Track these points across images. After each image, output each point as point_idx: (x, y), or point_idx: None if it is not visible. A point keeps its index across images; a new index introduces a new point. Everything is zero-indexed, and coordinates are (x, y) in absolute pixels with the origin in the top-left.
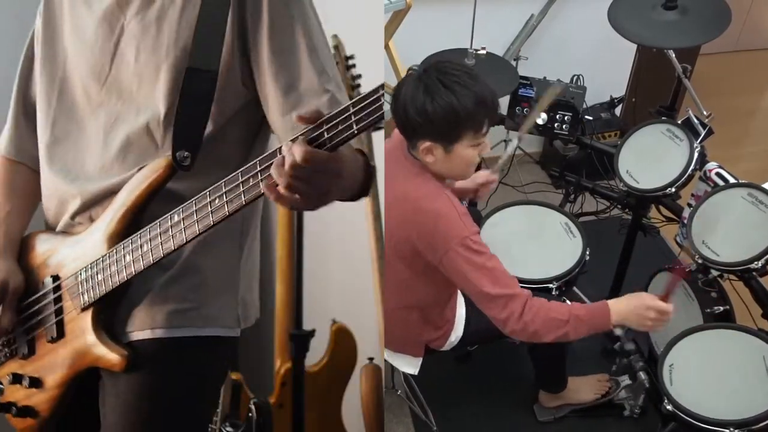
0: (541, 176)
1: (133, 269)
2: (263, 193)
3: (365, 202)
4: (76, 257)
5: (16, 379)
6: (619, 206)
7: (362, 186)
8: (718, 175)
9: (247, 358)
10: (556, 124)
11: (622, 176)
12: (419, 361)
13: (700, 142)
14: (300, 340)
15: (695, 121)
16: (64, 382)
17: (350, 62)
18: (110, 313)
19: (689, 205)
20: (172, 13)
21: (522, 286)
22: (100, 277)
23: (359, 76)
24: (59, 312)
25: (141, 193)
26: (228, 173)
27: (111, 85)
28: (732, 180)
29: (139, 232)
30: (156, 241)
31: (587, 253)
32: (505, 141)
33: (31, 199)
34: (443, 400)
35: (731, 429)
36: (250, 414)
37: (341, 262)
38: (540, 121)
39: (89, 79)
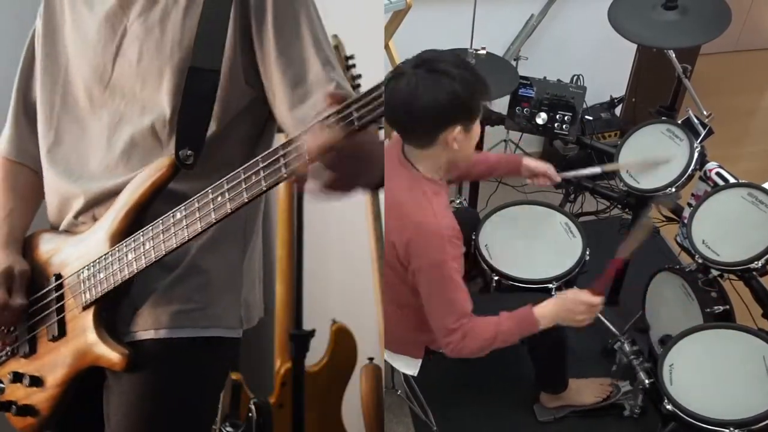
0: None
1: (135, 267)
2: (265, 191)
3: (365, 203)
4: (79, 256)
5: (17, 377)
6: (619, 206)
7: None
8: (718, 174)
9: (247, 358)
10: (556, 124)
11: (622, 176)
12: (419, 362)
13: (700, 142)
14: (300, 340)
15: (695, 121)
16: (64, 381)
17: (350, 62)
18: (112, 311)
19: (689, 205)
20: (176, 14)
21: (522, 286)
22: (101, 275)
23: (359, 76)
24: (61, 310)
25: (144, 192)
26: (233, 171)
27: (113, 85)
28: (732, 180)
29: (141, 230)
30: (158, 239)
31: (587, 253)
32: (504, 141)
33: (33, 199)
34: (443, 400)
35: (731, 429)
36: (250, 414)
37: (341, 262)
38: (540, 121)
39: (91, 80)
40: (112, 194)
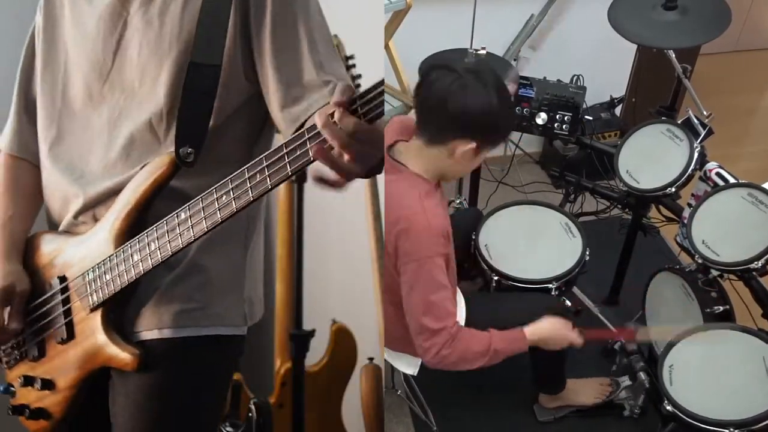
0: (541, 176)
1: (141, 268)
2: (270, 189)
3: (365, 202)
4: (82, 257)
5: (28, 381)
6: (619, 206)
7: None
8: (718, 175)
9: (247, 358)
10: (556, 124)
11: (622, 176)
12: (419, 361)
13: (700, 142)
14: (300, 340)
15: (695, 121)
16: (75, 383)
17: (350, 62)
18: (119, 312)
19: (689, 205)
20: (175, 7)
21: (522, 287)
22: (108, 276)
23: (359, 76)
24: (68, 313)
25: (145, 190)
26: (232, 170)
27: (113, 80)
28: (732, 180)
29: (146, 231)
30: (163, 239)
31: (587, 253)
32: (504, 141)
33: (35, 198)
34: (443, 400)
35: (731, 429)
36: (250, 414)
37: (341, 262)
38: (540, 121)
39: (91, 75)
40: (111, 194)
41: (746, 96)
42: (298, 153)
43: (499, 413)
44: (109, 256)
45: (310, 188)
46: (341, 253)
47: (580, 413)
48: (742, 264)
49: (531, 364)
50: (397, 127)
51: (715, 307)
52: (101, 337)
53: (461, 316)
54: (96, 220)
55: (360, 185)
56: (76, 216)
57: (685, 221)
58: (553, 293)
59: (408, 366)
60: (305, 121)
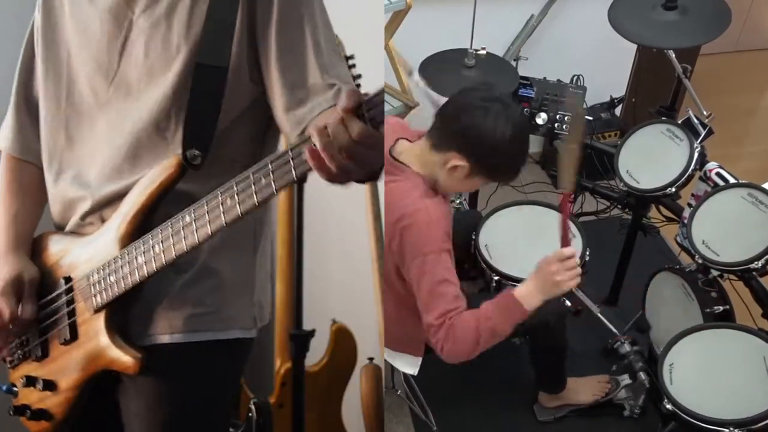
0: (541, 176)
1: (145, 271)
2: (276, 193)
3: (365, 203)
4: (88, 258)
5: (30, 381)
6: (619, 206)
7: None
8: (718, 175)
9: None
10: (556, 124)
11: (622, 176)
12: (419, 360)
13: (700, 142)
14: (300, 340)
15: (695, 121)
16: (78, 384)
17: (350, 62)
18: (123, 314)
19: (689, 205)
20: (182, 8)
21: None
22: (112, 278)
23: (359, 76)
24: (72, 314)
25: (152, 193)
26: (239, 169)
27: (119, 82)
28: (732, 180)
29: (151, 233)
30: (168, 242)
31: (587, 253)
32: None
33: (39, 196)
34: (443, 400)
35: (731, 429)
36: (250, 414)
37: (341, 262)
38: (540, 121)
39: (96, 77)
40: (119, 196)
41: (746, 96)
42: (304, 158)
43: (499, 413)
44: (114, 258)
45: (310, 188)
46: (341, 253)
47: (580, 413)
48: (742, 264)
49: (531, 363)
50: (398, 128)
51: (715, 307)
52: (104, 340)
53: None
54: (103, 221)
55: (360, 185)
56: (83, 217)
57: (685, 221)
58: None
59: (408, 366)
60: (310, 122)
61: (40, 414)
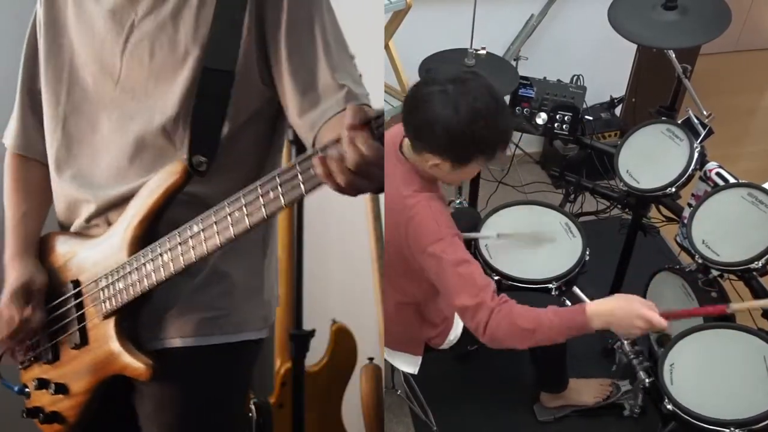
0: (541, 176)
1: (154, 279)
2: (285, 207)
3: (365, 203)
4: (95, 262)
5: (42, 384)
6: (619, 206)
7: None
8: (718, 174)
9: None
10: (556, 124)
11: (622, 176)
12: (419, 359)
13: (700, 142)
14: (300, 340)
15: (695, 121)
16: (89, 388)
17: None
18: (133, 321)
19: (689, 205)
20: (188, 10)
21: (522, 286)
22: (120, 285)
23: (359, 76)
24: (81, 319)
25: (158, 198)
26: (246, 172)
27: (124, 83)
28: (732, 180)
29: (158, 241)
30: (176, 251)
31: (587, 253)
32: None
33: (45, 195)
34: (443, 400)
35: (731, 429)
36: (250, 414)
37: (341, 262)
38: (540, 121)
39: (101, 76)
40: (123, 199)
41: (746, 96)
42: (312, 173)
43: (499, 413)
44: (122, 265)
45: None
46: (341, 253)
47: (580, 413)
48: (742, 264)
49: (532, 363)
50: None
51: None
52: (115, 346)
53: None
54: (109, 223)
55: None
56: (88, 220)
57: (685, 221)
58: (553, 293)
59: (408, 366)
60: (322, 126)
61: (53, 417)
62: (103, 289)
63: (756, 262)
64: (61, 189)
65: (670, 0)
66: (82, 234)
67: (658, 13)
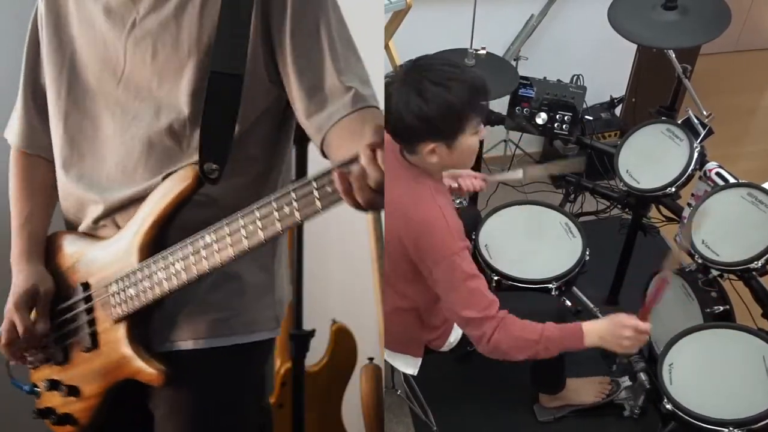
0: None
1: (166, 287)
2: (300, 222)
3: None
4: (104, 264)
5: (53, 385)
6: (619, 206)
7: None
8: (718, 174)
9: None
10: (556, 124)
11: (622, 176)
12: (419, 361)
13: (700, 142)
14: (300, 340)
15: (695, 121)
16: (101, 391)
17: None
18: (145, 326)
19: (689, 205)
20: (192, 9)
21: (522, 286)
22: (132, 291)
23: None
24: (92, 322)
25: (169, 203)
26: (257, 171)
27: (127, 81)
28: (732, 180)
29: (170, 249)
30: (188, 260)
31: (587, 253)
32: (504, 141)
33: (51, 192)
34: (443, 400)
35: (731, 428)
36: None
37: (341, 262)
38: (540, 121)
39: (103, 74)
40: (132, 201)
41: (746, 96)
42: (329, 190)
43: (499, 413)
44: (133, 271)
45: None
46: (341, 253)
47: (580, 413)
48: (742, 264)
49: (530, 363)
50: None
51: (715, 307)
52: (127, 351)
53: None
54: (117, 225)
55: None
56: (96, 221)
57: (685, 221)
58: (553, 293)
59: (408, 366)
60: (329, 129)
61: (65, 419)
62: (113, 295)
63: (756, 262)
64: (69, 188)
65: (670, 0)
66: (90, 235)
67: (658, 13)
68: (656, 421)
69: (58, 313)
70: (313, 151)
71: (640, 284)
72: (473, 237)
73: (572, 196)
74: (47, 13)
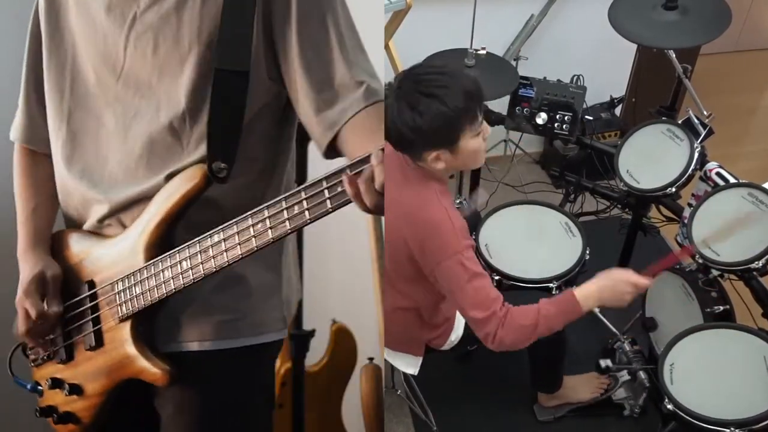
0: (541, 176)
1: (172, 286)
2: (310, 222)
3: None
4: (110, 263)
5: (56, 384)
6: (619, 206)
7: None
8: (719, 174)
9: None
10: (556, 124)
11: (622, 176)
12: (419, 360)
13: (700, 142)
14: (300, 340)
15: (695, 121)
16: (104, 390)
17: None
18: (149, 325)
19: (689, 205)
20: (192, 2)
21: (522, 286)
22: (137, 290)
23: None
24: (97, 321)
25: (176, 202)
26: (256, 171)
27: (127, 76)
28: (732, 180)
29: (178, 248)
30: (195, 259)
31: (587, 252)
32: (504, 141)
33: (55, 189)
34: (443, 400)
35: (731, 428)
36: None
37: (341, 262)
38: (540, 121)
39: (103, 70)
40: (136, 200)
41: (746, 96)
42: (339, 190)
43: (499, 413)
44: (139, 270)
45: None
46: (341, 253)
47: (580, 412)
48: (743, 264)
49: (530, 362)
50: None
51: (715, 307)
52: (131, 350)
53: (461, 320)
54: (121, 224)
55: None
56: (101, 220)
57: (686, 221)
58: (553, 293)
59: (408, 366)
60: (343, 126)
61: (68, 417)
62: (119, 293)
63: (756, 262)
64: (72, 185)
65: (670, 0)
66: (96, 233)
67: (658, 13)
68: (656, 421)
69: (63, 309)
70: (313, 151)
71: None
72: (473, 237)
73: (572, 195)
74: (47, 6)
